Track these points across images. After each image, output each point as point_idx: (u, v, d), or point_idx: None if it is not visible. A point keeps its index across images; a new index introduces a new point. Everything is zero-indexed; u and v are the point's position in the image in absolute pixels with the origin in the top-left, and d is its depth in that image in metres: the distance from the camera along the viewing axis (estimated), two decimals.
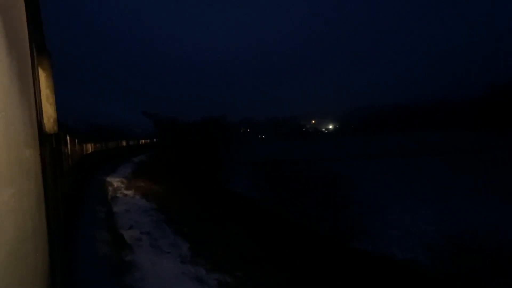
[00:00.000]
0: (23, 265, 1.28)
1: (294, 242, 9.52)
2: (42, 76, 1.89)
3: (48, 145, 1.97)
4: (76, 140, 11.62)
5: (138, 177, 17.46)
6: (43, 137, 1.77)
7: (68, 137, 8.19)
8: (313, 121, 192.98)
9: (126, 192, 12.46)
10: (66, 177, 6.18)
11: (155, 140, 57.30)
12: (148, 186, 14.83)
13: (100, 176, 16.97)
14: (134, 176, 17.97)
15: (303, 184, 22.96)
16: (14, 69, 1.27)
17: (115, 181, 15.23)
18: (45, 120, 1.95)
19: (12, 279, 1.14)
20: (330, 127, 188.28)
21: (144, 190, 13.34)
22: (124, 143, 39.30)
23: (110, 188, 13.14)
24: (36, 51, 1.74)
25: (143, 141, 54.05)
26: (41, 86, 1.85)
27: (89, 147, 18.72)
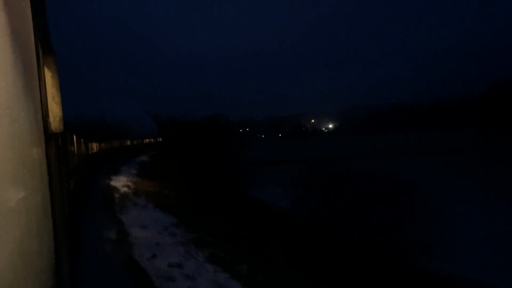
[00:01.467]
0: (28, 265, 1.25)
1: (360, 268, 7.78)
2: (48, 75, 1.86)
3: (54, 144, 1.94)
4: (82, 140, 11.61)
5: (145, 180, 16.14)
6: (49, 136, 1.74)
7: (74, 136, 8.19)
8: (312, 121, 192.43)
9: (136, 199, 10.59)
10: (72, 177, 6.11)
11: (158, 139, 57.40)
12: (158, 191, 13.25)
13: (105, 178, 15.59)
14: (141, 178, 16.64)
15: (333, 187, 20.38)
16: (19, 68, 1.24)
17: (122, 185, 13.61)
18: (51, 119, 1.92)
19: (18, 279, 1.11)
20: (330, 126, 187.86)
21: (156, 196, 11.60)
22: (128, 142, 39.37)
23: (116, 195, 11.24)
24: (42, 49, 1.70)
25: (147, 140, 54.12)
26: (46, 84, 1.81)
27: (94, 146, 18.74)
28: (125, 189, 12.83)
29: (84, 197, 10.11)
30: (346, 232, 10.79)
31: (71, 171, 6.08)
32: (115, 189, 12.70)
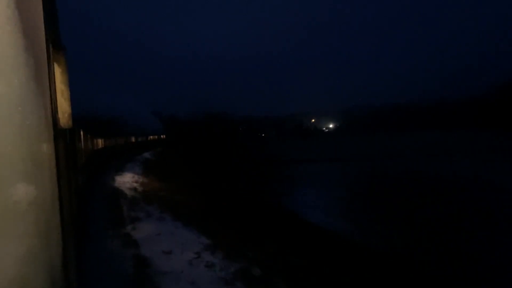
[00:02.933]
0: (36, 261, 1.24)
1: None
2: (57, 72, 1.85)
3: (62, 140, 1.93)
4: (88, 136, 11.63)
5: (154, 181, 14.73)
6: (58, 132, 1.73)
7: (81, 132, 8.17)
8: (312, 120, 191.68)
9: (148, 208, 8.66)
10: (79, 173, 6.04)
11: (162, 136, 57.48)
12: (172, 196, 11.51)
13: (111, 179, 14.20)
14: (148, 179, 15.19)
15: (377, 192, 17.15)
16: (30, 65, 1.23)
17: (130, 188, 11.98)
18: (60, 115, 1.91)
19: (26, 275, 1.10)
20: (331, 126, 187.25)
21: (171, 203, 9.72)
22: (133, 139, 39.46)
23: (125, 202, 9.54)
24: (52, 46, 1.69)
25: (151, 137, 54.26)
26: (56, 81, 1.80)
27: (100, 143, 18.79)
28: (134, 192, 11.06)
29: (88, 205, 8.45)
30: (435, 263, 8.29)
31: (78, 168, 6.04)
32: (123, 193, 10.88)
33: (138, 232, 6.48)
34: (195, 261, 5.09)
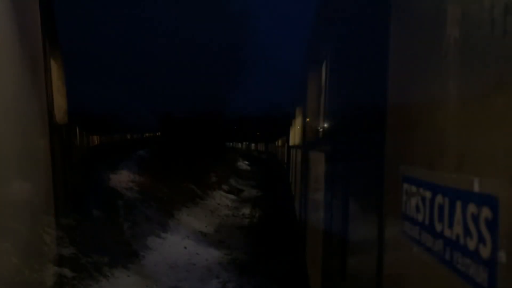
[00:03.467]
0: (33, 254, 1.23)
1: None
2: (54, 68, 1.83)
3: (58, 136, 1.91)
4: (84, 132, 11.49)
5: (150, 180, 13.30)
6: (53, 128, 1.71)
7: (77, 129, 8.08)
8: (307, 120, 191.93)
9: (147, 211, 7.80)
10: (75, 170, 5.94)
11: (157, 134, 57.03)
12: (171, 196, 10.41)
13: (106, 177, 13.12)
14: (145, 177, 13.75)
15: None
16: (26, 61, 1.21)
17: (126, 188, 9.33)
18: (56, 111, 1.89)
19: (21, 271, 1.09)
20: (325, 125, 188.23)
21: (171, 205, 8.74)
22: (128, 136, 39.12)
23: (121, 203, 8.13)
24: (49, 43, 1.67)
25: (146, 134, 53.87)
26: (52, 77, 1.78)
27: (95, 139, 18.61)
28: (130, 193, 9.93)
29: (81, 205, 7.37)
30: None
31: (74, 164, 5.95)
32: (118, 193, 9.95)
33: (137, 239, 5.76)
34: (205, 276, 4.83)
